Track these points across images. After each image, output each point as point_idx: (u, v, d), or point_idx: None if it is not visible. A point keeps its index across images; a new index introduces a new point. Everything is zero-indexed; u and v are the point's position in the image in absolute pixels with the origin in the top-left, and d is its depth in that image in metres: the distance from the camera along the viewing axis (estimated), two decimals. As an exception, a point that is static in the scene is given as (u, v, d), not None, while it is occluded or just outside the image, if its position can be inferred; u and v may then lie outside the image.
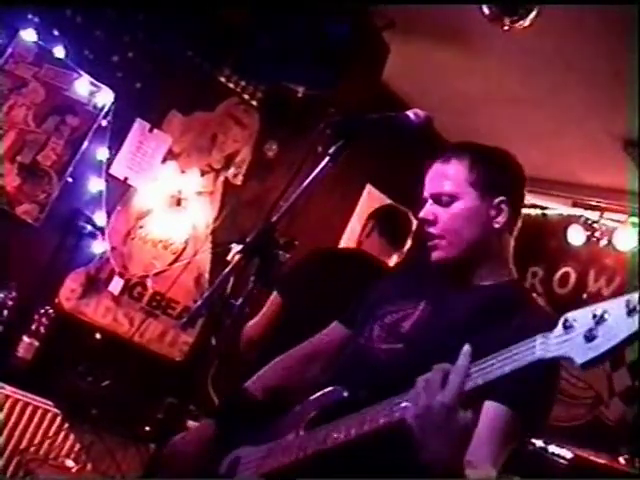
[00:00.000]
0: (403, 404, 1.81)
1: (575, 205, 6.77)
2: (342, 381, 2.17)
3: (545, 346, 1.60)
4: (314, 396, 2.19)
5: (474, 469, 1.79)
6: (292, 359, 2.57)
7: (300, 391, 2.42)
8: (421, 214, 2.27)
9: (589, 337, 1.54)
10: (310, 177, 2.01)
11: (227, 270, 1.96)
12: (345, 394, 2.09)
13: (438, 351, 1.97)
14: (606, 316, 1.54)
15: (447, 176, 2.25)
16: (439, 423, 1.66)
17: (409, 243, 4.59)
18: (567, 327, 1.59)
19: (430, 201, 2.26)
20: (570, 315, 1.60)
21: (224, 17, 5.40)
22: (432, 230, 2.23)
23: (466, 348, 1.71)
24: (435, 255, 2.24)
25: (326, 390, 2.15)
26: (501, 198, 2.24)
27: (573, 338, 1.57)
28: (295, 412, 2.23)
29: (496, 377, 1.64)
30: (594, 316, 1.56)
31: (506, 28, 4.42)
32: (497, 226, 2.24)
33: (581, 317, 1.58)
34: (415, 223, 4.68)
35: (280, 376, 2.52)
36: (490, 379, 1.65)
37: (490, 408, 1.95)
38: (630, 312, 1.51)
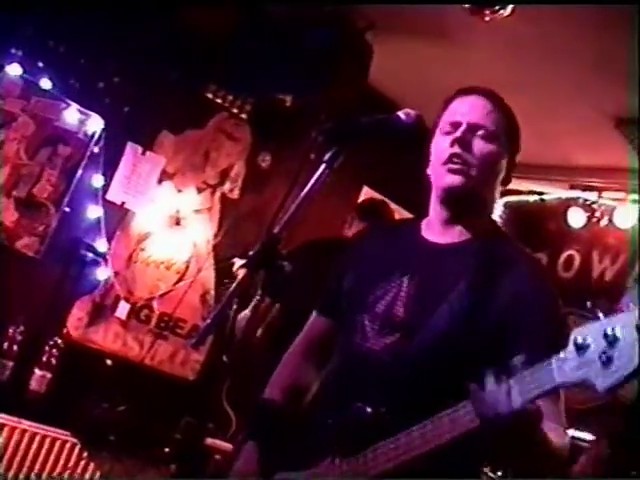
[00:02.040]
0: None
1: (572, 188, 6.76)
2: (355, 395, 2.09)
3: (562, 372, 1.64)
4: (338, 415, 2.11)
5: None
6: (294, 358, 2.50)
7: (309, 386, 2.41)
8: (458, 134, 2.18)
9: (605, 361, 1.56)
10: (308, 186, 2.01)
11: (233, 286, 1.95)
12: (368, 410, 2.04)
13: (436, 332, 2.05)
14: (618, 334, 1.56)
15: (495, 117, 2.23)
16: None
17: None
18: (580, 348, 1.61)
19: (464, 126, 2.20)
20: (579, 334, 1.63)
21: (204, 33, 5.40)
22: (465, 154, 2.17)
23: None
24: (454, 179, 2.17)
25: (348, 409, 2.08)
26: (510, 158, 2.27)
27: (590, 363, 1.59)
28: (323, 434, 2.13)
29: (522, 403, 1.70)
30: (605, 335, 1.57)
31: (487, 19, 4.44)
32: (504, 181, 2.27)
33: (592, 337, 1.60)
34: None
35: (290, 376, 2.46)
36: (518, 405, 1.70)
37: None
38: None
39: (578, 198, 6.69)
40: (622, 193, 6.40)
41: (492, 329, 2.02)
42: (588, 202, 6.64)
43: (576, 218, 6.66)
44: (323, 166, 2.02)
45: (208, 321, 2.02)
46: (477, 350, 2.01)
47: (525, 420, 1.74)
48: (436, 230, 2.25)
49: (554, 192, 6.89)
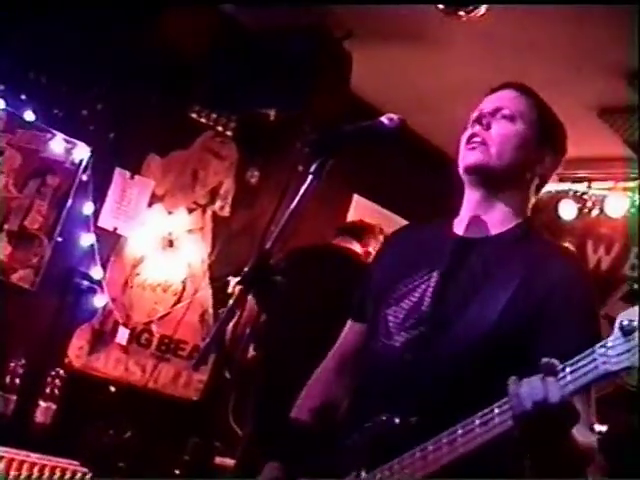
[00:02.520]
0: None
1: (561, 180, 6.77)
2: (381, 402, 2.04)
3: (607, 360, 1.55)
4: (365, 427, 2.02)
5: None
6: (326, 373, 2.42)
7: (341, 403, 2.34)
8: (475, 114, 2.23)
9: None
10: (297, 198, 2.00)
11: (230, 304, 1.95)
12: (397, 421, 1.97)
13: (467, 326, 2.00)
14: None
15: (521, 102, 2.25)
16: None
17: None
18: (627, 332, 1.53)
19: (486, 110, 2.24)
20: (625, 317, 1.55)
21: (182, 53, 5.42)
22: (482, 133, 2.19)
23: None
24: (472, 157, 2.17)
25: (376, 420, 2.01)
26: (549, 150, 2.26)
27: (636, 347, 1.51)
28: (349, 447, 2.06)
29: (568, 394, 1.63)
30: None
31: (463, 19, 4.47)
32: (537, 171, 2.24)
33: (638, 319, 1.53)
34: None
35: (321, 393, 2.38)
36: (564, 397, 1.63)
37: None
38: None
39: (568, 190, 6.71)
40: (611, 182, 6.43)
41: (527, 321, 1.98)
42: (578, 193, 6.66)
43: (567, 210, 6.68)
44: (310, 178, 2.01)
45: (207, 341, 2.02)
46: (511, 343, 1.96)
47: (564, 419, 1.67)
48: (466, 225, 2.22)
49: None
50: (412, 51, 5.47)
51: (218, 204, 5.94)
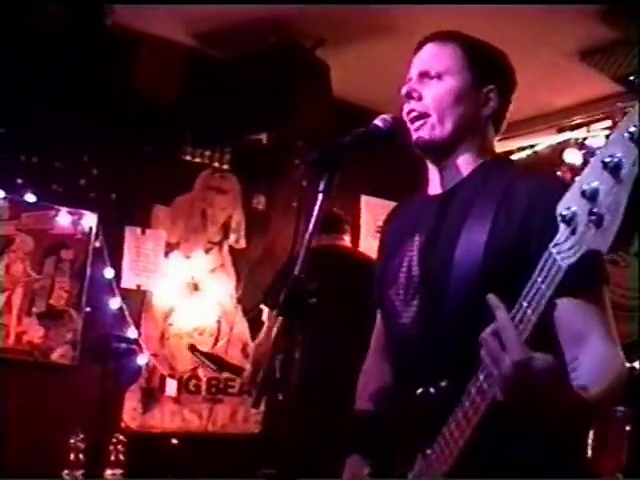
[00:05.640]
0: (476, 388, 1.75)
1: (560, 131, 6.76)
2: (412, 379, 2.06)
3: (563, 253, 1.53)
4: (407, 406, 2.05)
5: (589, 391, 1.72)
6: (371, 361, 2.47)
7: (389, 387, 2.37)
8: (404, 90, 2.17)
9: (596, 221, 1.46)
10: (312, 220, 2.01)
11: (274, 336, 1.96)
12: (432, 391, 1.98)
13: (459, 277, 1.99)
14: (594, 184, 1.47)
15: (443, 54, 2.20)
16: (525, 382, 1.57)
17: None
18: (569, 222, 1.52)
19: (413, 78, 2.19)
20: (562, 206, 1.53)
21: (162, 99, 5.44)
22: (417, 107, 2.15)
23: (491, 298, 1.62)
24: (418, 135, 2.15)
25: (416, 395, 2.03)
26: (491, 86, 2.20)
27: (583, 232, 1.49)
28: (404, 430, 2.07)
29: (544, 307, 1.57)
30: (583, 194, 1.48)
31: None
32: (485, 114, 2.19)
33: (574, 202, 1.51)
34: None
35: (373, 379, 2.43)
36: (540, 311, 1.58)
37: (566, 306, 1.83)
38: (605, 166, 1.45)
39: (569, 139, 6.68)
40: (609, 121, 6.40)
41: (515, 243, 1.96)
42: (579, 140, 6.63)
43: (572, 159, 6.64)
44: (321, 196, 2.02)
45: (262, 377, 2.03)
46: (504, 272, 1.92)
47: (547, 370, 1.60)
48: (437, 183, 2.22)
49: (544, 141, 6.89)
50: (384, 43, 5.46)
51: (232, 237, 5.96)
